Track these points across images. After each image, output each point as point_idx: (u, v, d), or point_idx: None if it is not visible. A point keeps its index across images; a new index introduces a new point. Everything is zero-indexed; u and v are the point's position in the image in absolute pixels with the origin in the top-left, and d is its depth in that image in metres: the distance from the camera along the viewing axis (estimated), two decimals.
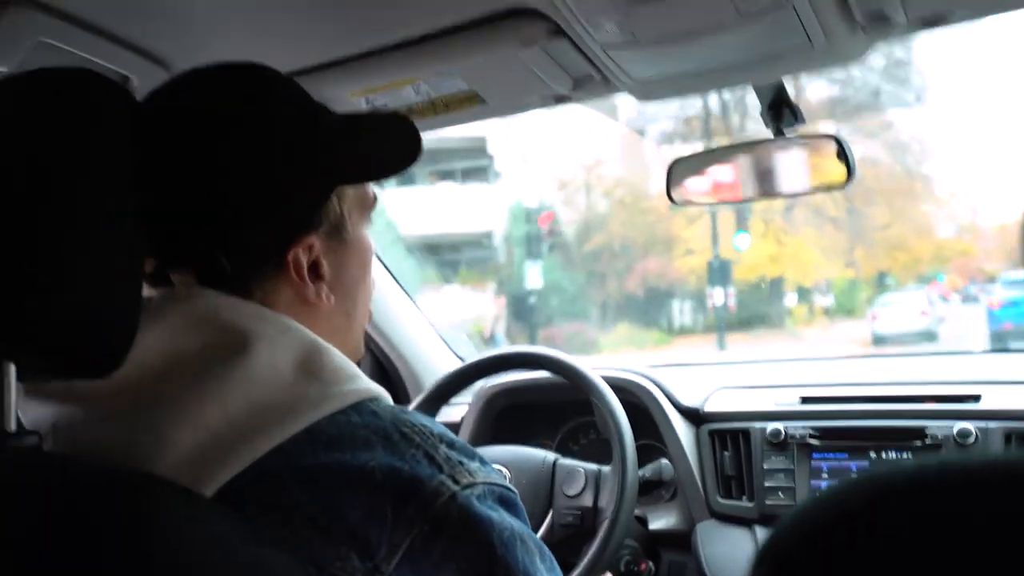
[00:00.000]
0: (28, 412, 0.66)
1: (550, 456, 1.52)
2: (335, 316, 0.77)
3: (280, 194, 0.71)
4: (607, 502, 1.38)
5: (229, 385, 0.64)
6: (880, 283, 23.17)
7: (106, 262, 0.61)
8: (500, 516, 0.67)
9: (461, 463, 0.68)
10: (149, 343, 0.63)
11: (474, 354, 1.80)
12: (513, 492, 0.71)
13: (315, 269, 0.75)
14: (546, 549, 0.72)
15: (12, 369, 0.59)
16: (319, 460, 0.63)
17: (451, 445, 0.69)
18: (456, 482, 0.66)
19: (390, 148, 0.80)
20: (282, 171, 0.71)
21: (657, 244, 18.56)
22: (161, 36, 1.06)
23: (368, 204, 0.81)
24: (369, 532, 0.61)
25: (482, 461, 0.70)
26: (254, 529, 0.59)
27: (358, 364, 0.74)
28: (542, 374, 1.70)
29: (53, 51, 0.99)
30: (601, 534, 1.34)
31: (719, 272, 15.53)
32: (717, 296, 15.70)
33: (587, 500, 1.43)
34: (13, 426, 0.60)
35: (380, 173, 0.80)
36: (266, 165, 0.71)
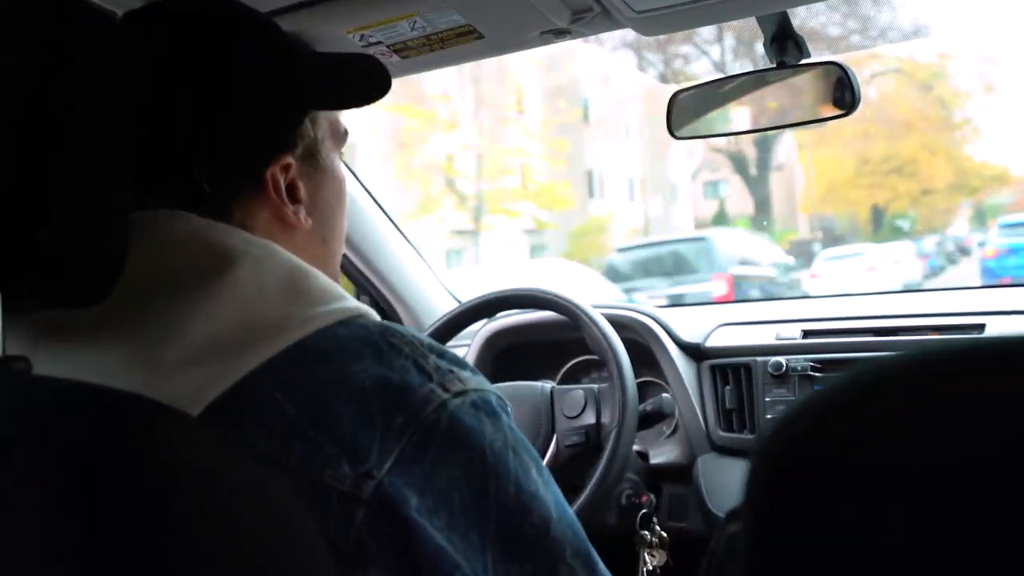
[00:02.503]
0: (9, 338, 0.66)
1: (547, 384, 1.53)
2: (312, 241, 0.79)
3: (255, 114, 0.73)
4: (609, 417, 1.40)
5: (215, 303, 0.64)
6: (875, 222, 21.67)
7: (101, 191, 0.60)
8: (492, 425, 0.67)
9: (451, 371, 0.67)
10: (132, 265, 0.62)
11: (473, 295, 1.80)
12: (504, 400, 0.71)
13: (292, 192, 0.76)
14: (542, 462, 0.71)
15: None
16: (307, 373, 0.63)
17: (441, 355, 0.69)
18: (446, 390, 0.65)
19: (359, 80, 0.83)
20: (257, 93, 0.73)
21: None
22: None
23: (340, 134, 0.84)
24: (359, 439, 0.61)
25: (473, 371, 0.70)
26: (243, 445, 0.59)
27: None
28: (539, 314, 1.71)
29: None
30: (608, 447, 1.36)
31: None
32: None
33: (589, 418, 1.45)
34: (1, 351, 0.59)
35: (350, 102, 0.83)
36: (241, 87, 0.72)
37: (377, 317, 0.71)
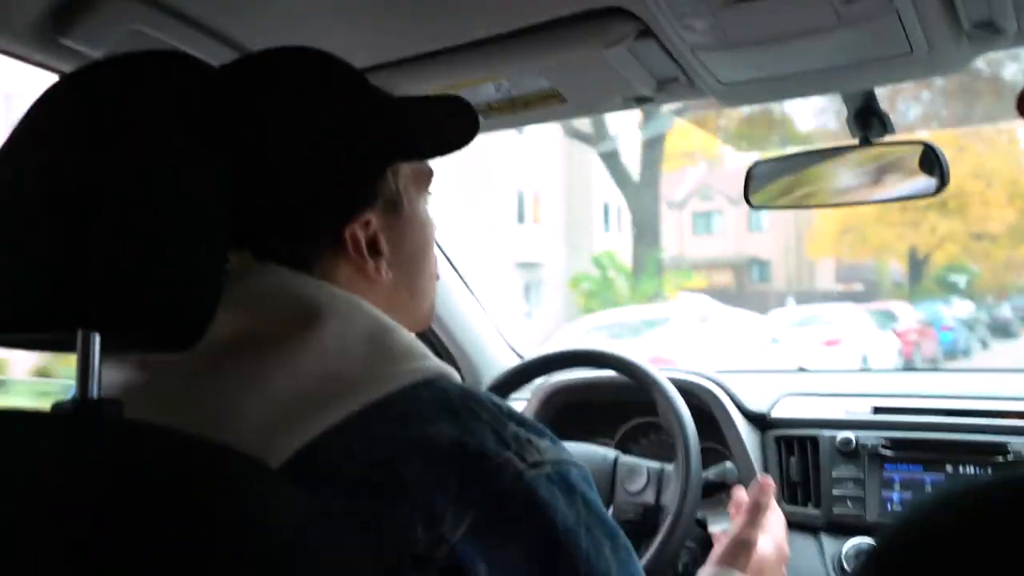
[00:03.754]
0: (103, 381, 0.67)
1: (611, 453, 1.50)
2: (396, 292, 0.78)
3: (334, 173, 0.73)
4: (670, 500, 1.37)
5: (300, 357, 0.64)
6: (912, 273, 18.84)
7: (198, 240, 0.62)
8: (567, 500, 0.66)
9: (530, 441, 0.67)
10: (222, 315, 0.63)
11: (532, 351, 1.79)
12: (583, 469, 0.70)
13: (373, 245, 0.75)
14: (620, 536, 0.70)
15: (97, 339, 0.60)
16: (387, 432, 0.63)
17: (520, 423, 0.68)
18: (523, 460, 0.65)
19: (445, 125, 0.81)
20: (335, 150, 0.73)
21: None
22: (246, 26, 1.06)
23: (425, 179, 0.82)
24: (434, 503, 0.61)
25: (552, 440, 0.69)
26: (319, 501, 0.59)
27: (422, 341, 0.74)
28: (603, 372, 1.69)
29: (143, 39, 1.00)
30: (663, 531, 1.33)
31: None
32: None
33: (649, 497, 1.42)
34: (96, 393, 0.60)
35: (434, 150, 0.81)
36: (319, 145, 0.72)
37: (457, 378, 0.71)
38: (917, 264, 19.02)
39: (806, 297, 18.06)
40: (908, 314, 14.61)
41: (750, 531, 1.03)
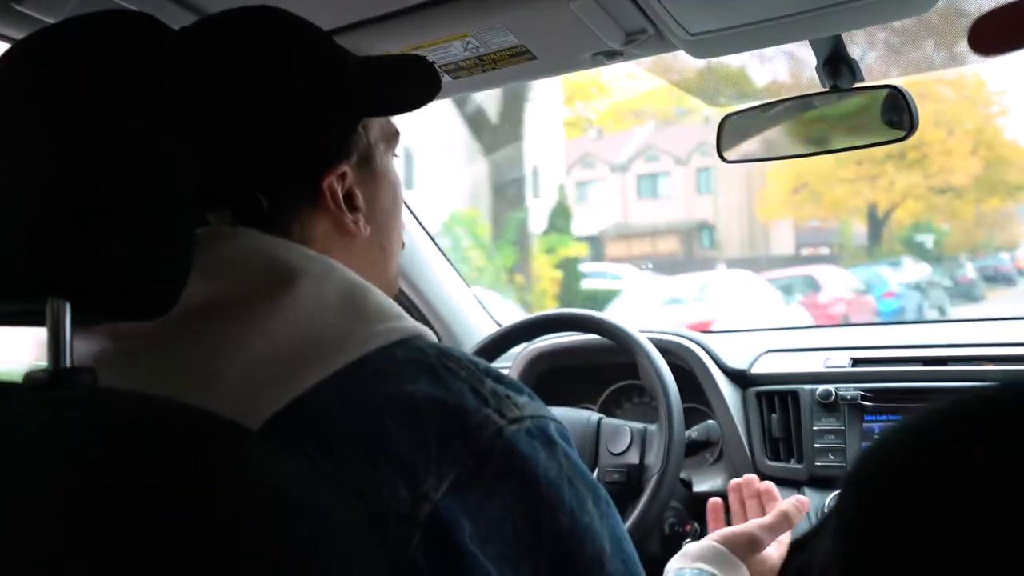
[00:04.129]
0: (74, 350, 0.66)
1: (594, 415, 1.51)
2: (371, 248, 0.79)
3: (310, 126, 0.73)
4: (654, 459, 1.38)
5: (275, 319, 0.64)
6: (874, 233, 16.99)
7: (168, 204, 0.61)
8: (548, 453, 0.66)
9: (508, 397, 0.66)
10: (195, 281, 0.63)
11: (512, 318, 1.79)
12: (561, 424, 0.70)
13: (350, 200, 0.76)
14: (601, 490, 0.70)
15: (68, 308, 0.59)
16: (365, 393, 0.63)
17: (498, 379, 0.68)
18: (502, 416, 0.65)
19: (409, 84, 0.83)
20: (311, 105, 0.73)
21: None
22: None
23: (393, 137, 0.84)
24: (416, 462, 0.61)
25: (531, 395, 0.69)
26: (300, 462, 0.59)
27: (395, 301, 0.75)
28: (584, 336, 1.69)
29: (97, 3, 0.98)
30: (648, 491, 1.34)
31: None
32: None
33: (633, 457, 1.43)
34: (69, 363, 0.59)
35: (401, 106, 0.83)
36: (296, 100, 0.73)
37: (433, 337, 0.71)
38: (877, 223, 16.98)
39: (757, 264, 16.53)
40: (839, 280, 13.04)
41: (766, 534, 1.06)
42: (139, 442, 0.54)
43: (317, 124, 0.74)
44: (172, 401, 0.57)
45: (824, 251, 18.63)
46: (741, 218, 20.67)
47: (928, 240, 16.30)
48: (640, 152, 21.41)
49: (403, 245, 0.87)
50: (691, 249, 20.74)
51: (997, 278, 15.14)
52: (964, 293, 14.52)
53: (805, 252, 19.03)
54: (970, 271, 15.35)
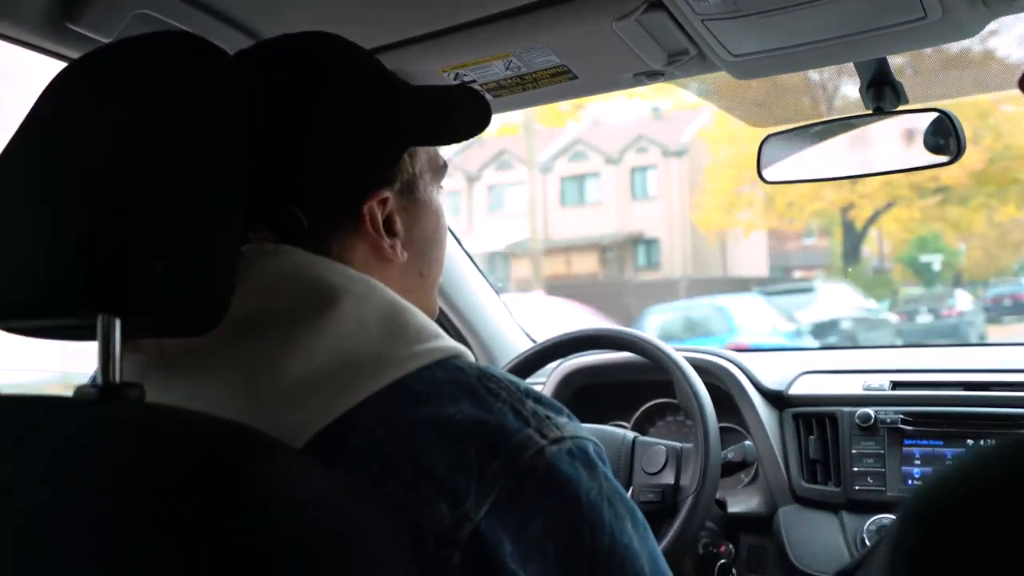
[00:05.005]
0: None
1: (629, 434, 1.50)
2: (408, 274, 0.79)
3: (354, 150, 0.74)
4: (689, 480, 1.36)
5: (317, 338, 0.64)
6: (848, 239, 14.17)
7: (216, 223, 0.62)
8: (589, 474, 0.66)
9: (548, 417, 0.67)
10: (239, 298, 0.64)
11: (546, 335, 1.79)
12: (600, 445, 0.70)
13: (389, 225, 0.76)
14: (638, 513, 0.70)
15: (118, 324, 0.60)
16: (406, 413, 0.63)
17: (538, 400, 0.68)
18: (543, 436, 0.65)
19: (459, 115, 0.84)
20: (358, 130, 0.74)
21: None
22: (253, 10, 1.06)
23: (439, 168, 0.84)
24: (457, 482, 0.61)
25: (569, 416, 0.69)
26: (342, 482, 0.59)
27: None
28: (618, 354, 1.69)
29: (151, 22, 1.00)
30: (684, 512, 1.32)
31: None
32: None
33: (668, 478, 1.41)
34: (118, 378, 0.60)
35: (450, 137, 0.83)
36: (343, 125, 0.74)
37: (472, 357, 0.71)
38: (854, 236, 13.94)
39: (703, 286, 13.85)
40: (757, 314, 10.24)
41: None
42: (186, 458, 0.55)
43: (361, 149, 0.75)
44: (216, 418, 0.58)
45: (814, 272, 15.38)
46: (685, 231, 16.84)
47: (936, 261, 13.75)
48: (564, 150, 17.94)
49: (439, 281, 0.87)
50: (621, 268, 17.36)
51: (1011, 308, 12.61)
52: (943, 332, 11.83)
53: (798, 274, 15.85)
54: (963, 301, 12.74)
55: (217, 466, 0.54)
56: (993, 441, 0.38)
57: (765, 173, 1.29)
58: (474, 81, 1.21)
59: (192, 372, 0.66)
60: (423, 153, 0.81)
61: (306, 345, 0.64)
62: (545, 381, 1.77)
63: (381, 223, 0.76)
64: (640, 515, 0.70)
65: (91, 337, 0.61)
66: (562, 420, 0.68)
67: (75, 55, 1.02)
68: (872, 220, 13.63)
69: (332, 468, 0.60)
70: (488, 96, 1.25)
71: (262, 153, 0.70)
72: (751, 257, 16.74)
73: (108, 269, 0.58)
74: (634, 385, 1.73)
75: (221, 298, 0.62)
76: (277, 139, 0.72)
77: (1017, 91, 0.54)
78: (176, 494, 0.53)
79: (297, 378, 0.63)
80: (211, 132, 0.62)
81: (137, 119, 0.60)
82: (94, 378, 0.63)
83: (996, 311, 13.15)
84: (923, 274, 13.68)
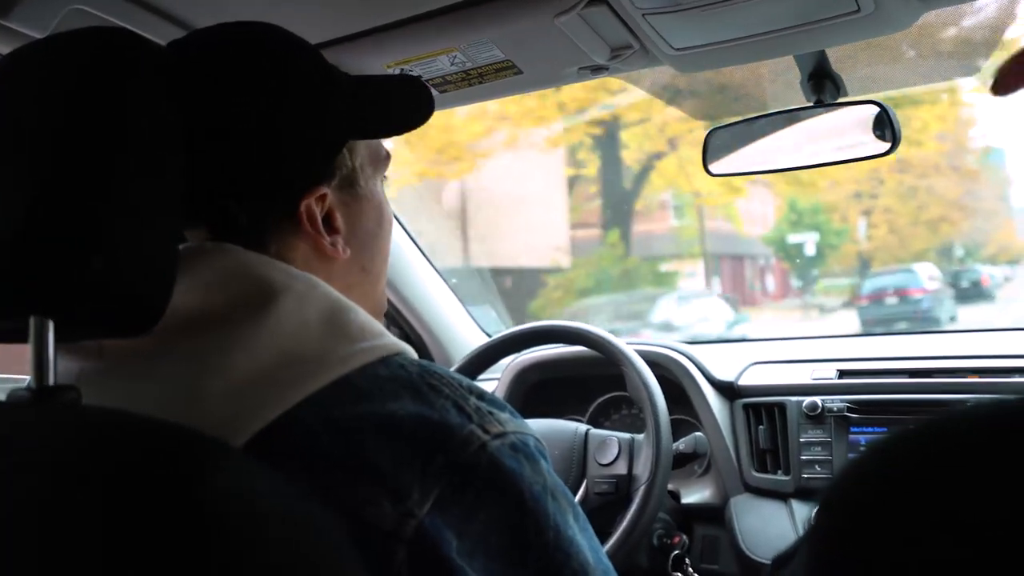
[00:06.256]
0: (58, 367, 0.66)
1: (582, 427, 1.51)
2: (351, 270, 0.78)
3: (291, 146, 0.72)
4: (642, 469, 1.38)
5: (257, 336, 0.64)
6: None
7: (151, 220, 0.61)
8: (532, 468, 0.66)
9: (491, 413, 0.67)
10: (177, 297, 0.63)
11: (502, 329, 1.79)
12: (542, 444, 0.70)
13: (329, 221, 0.75)
14: (579, 508, 0.71)
15: (51, 325, 0.59)
16: (348, 411, 0.63)
17: (480, 396, 0.68)
18: (486, 431, 0.65)
19: (399, 106, 0.82)
20: (293, 124, 0.72)
21: None
22: (191, 3, 1.05)
23: (381, 160, 0.83)
24: (400, 479, 0.61)
25: (512, 412, 0.70)
26: (285, 480, 0.59)
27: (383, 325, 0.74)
28: (572, 348, 1.70)
29: (86, 17, 0.99)
30: (637, 500, 1.34)
31: None
32: None
33: (621, 468, 1.43)
34: (52, 381, 0.59)
35: (389, 129, 0.82)
36: (278, 119, 0.72)
37: (415, 355, 0.71)
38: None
39: None
40: None
41: None
42: (122, 460, 0.54)
43: (296, 145, 0.73)
44: (155, 419, 0.57)
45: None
46: None
47: (809, 243, 10.66)
48: None
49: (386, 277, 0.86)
50: None
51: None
52: None
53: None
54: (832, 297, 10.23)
55: (153, 466, 0.54)
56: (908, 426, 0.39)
57: (711, 167, 1.30)
58: (419, 77, 1.20)
59: (132, 373, 0.65)
60: (363, 146, 0.79)
61: (247, 344, 0.64)
62: (499, 376, 1.77)
63: (320, 220, 0.74)
64: (580, 509, 0.71)
65: (24, 339, 0.60)
66: (504, 416, 0.68)
67: (6, 50, 1.00)
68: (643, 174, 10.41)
69: (273, 467, 0.59)
70: (434, 91, 1.24)
71: (197, 148, 0.69)
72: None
73: (36, 268, 0.57)
74: (588, 379, 1.75)
75: (158, 298, 0.61)
76: (211, 133, 0.70)
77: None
78: (111, 496, 0.52)
79: (238, 377, 0.62)
80: (142, 128, 0.61)
81: (65, 116, 0.59)
82: (29, 382, 0.62)
83: (874, 313, 10.86)
84: (795, 259, 11.18)
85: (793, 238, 11.32)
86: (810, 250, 11.10)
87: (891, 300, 10.78)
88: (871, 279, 11.50)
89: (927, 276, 11.03)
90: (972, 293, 11.42)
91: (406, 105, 0.82)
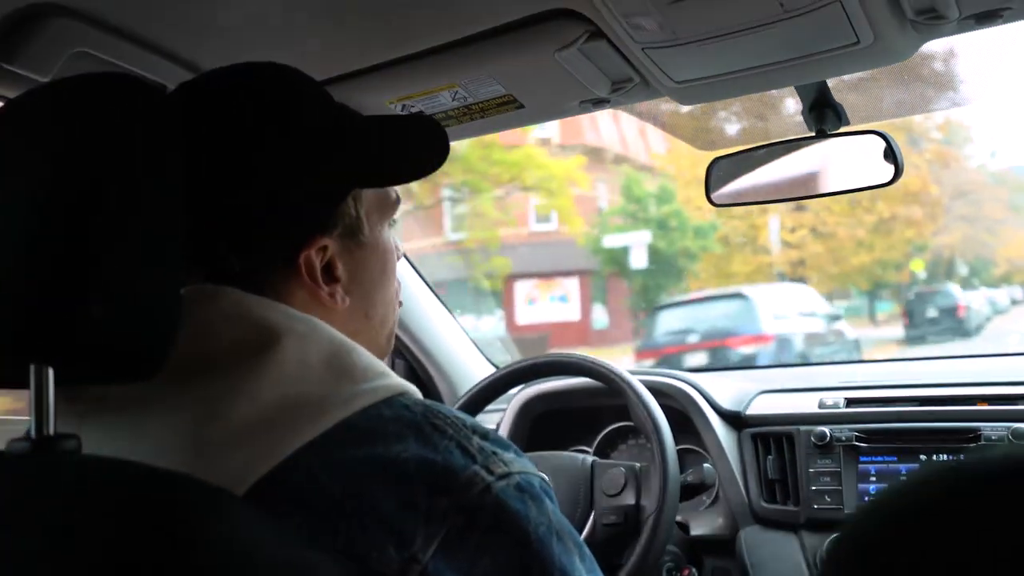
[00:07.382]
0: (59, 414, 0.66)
1: (588, 458, 1.50)
2: (352, 318, 0.77)
3: (292, 196, 0.71)
4: (650, 500, 1.37)
5: (259, 381, 0.63)
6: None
7: (152, 266, 0.60)
8: (537, 509, 0.66)
9: (495, 453, 0.66)
10: (179, 341, 0.62)
11: (509, 361, 1.79)
12: (546, 481, 0.70)
13: (329, 271, 0.74)
14: (585, 548, 0.70)
15: (51, 373, 0.58)
16: (351, 454, 0.62)
17: (484, 436, 0.68)
18: (490, 472, 0.64)
19: (411, 151, 0.79)
20: (294, 174, 0.71)
21: None
22: (196, 45, 1.06)
23: (389, 205, 0.81)
24: (404, 523, 0.60)
25: (517, 452, 0.69)
26: (289, 527, 0.58)
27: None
28: (577, 380, 1.69)
29: (90, 60, 0.99)
30: (646, 531, 1.33)
31: None
32: None
33: (629, 499, 1.41)
34: (52, 430, 0.59)
35: (397, 177, 0.79)
36: (278, 168, 0.71)
37: (419, 394, 0.71)
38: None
39: None
40: None
41: None
42: (122, 512, 0.54)
43: (295, 196, 0.71)
44: (155, 469, 0.57)
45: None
46: None
47: (639, 246, 7.99)
48: None
49: (400, 304, 0.85)
50: None
51: None
52: None
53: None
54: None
55: (154, 517, 0.53)
56: (924, 463, 0.39)
57: (714, 196, 1.30)
58: (421, 112, 1.21)
59: (134, 419, 0.65)
60: (370, 192, 0.78)
61: (248, 389, 0.63)
62: (505, 408, 1.76)
63: (319, 271, 0.73)
64: (587, 550, 0.70)
65: (25, 385, 0.59)
66: (509, 456, 0.68)
67: (12, 95, 1.00)
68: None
69: (277, 514, 0.58)
70: None
71: (199, 192, 0.68)
72: None
73: (36, 315, 0.57)
74: (594, 410, 1.74)
75: (162, 343, 0.60)
76: (211, 181, 0.69)
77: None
78: (113, 547, 0.52)
79: (240, 422, 0.62)
80: (144, 174, 0.61)
81: (66, 163, 0.59)
82: (29, 430, 0.62)
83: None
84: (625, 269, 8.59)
85: (611, 240, 8.59)
86: (637, 259, 8.34)
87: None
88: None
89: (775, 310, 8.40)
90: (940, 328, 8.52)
91: (419, 147, 0.80)
